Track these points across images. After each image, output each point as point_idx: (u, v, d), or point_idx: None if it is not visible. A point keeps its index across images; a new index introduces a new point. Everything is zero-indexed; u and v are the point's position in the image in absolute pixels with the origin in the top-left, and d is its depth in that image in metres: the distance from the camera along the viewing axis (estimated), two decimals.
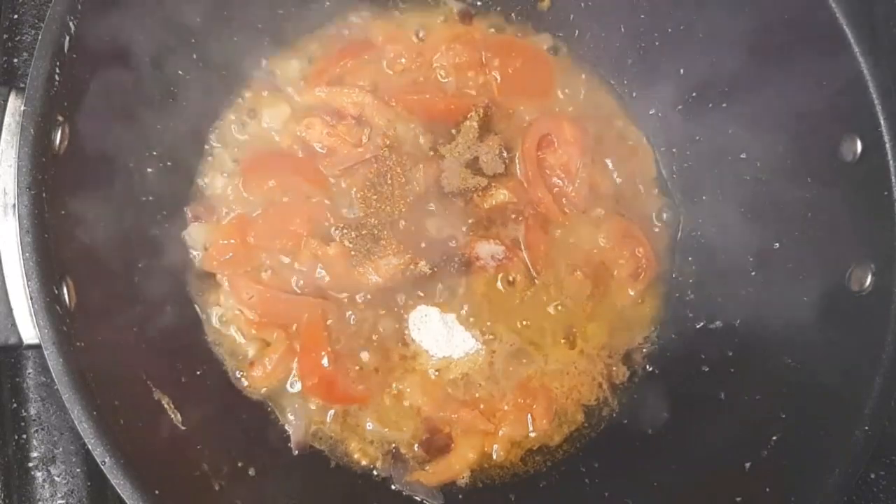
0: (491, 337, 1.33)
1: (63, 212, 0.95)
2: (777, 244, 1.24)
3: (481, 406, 1.30)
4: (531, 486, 1.31)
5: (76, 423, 0.88)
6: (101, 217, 1.05)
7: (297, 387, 1.29)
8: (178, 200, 1.30)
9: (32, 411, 1.20)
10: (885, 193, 1.04)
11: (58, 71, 0.94)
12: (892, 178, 1.03)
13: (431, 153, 1.38)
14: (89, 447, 0.88)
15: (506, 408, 1.31)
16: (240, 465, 1.16)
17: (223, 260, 1.29)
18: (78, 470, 1.19)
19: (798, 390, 1.13)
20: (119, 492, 0.89)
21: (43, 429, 1.20)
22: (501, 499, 1.29)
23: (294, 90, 1.39)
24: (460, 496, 1.28)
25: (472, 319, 1.33)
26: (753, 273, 1.28)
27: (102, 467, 0.89)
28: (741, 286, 1.29)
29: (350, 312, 1.30)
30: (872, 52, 1.06)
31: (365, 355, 1.30)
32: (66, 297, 0.92)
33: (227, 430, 1.21)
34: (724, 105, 1.32)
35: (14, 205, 0.91)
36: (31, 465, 1.19)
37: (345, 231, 1.31)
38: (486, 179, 1.37)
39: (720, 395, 1.24)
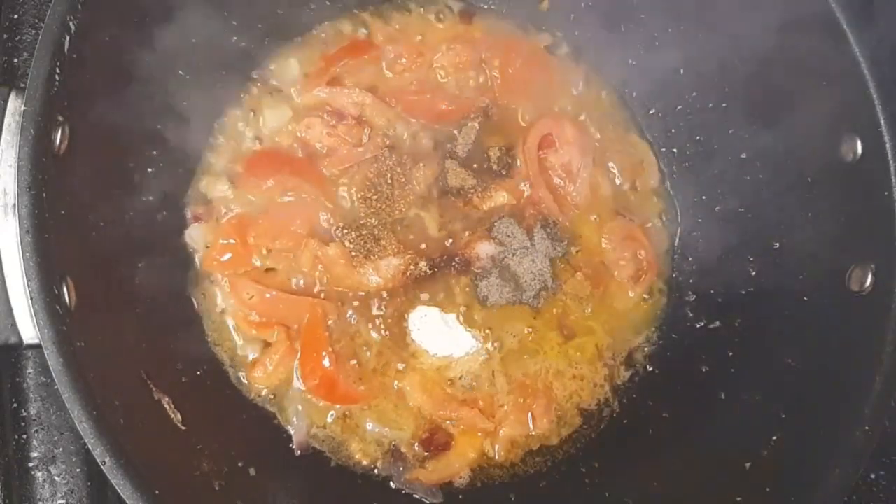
0: (491, 337, 1.32)
1: (63, 212, 0.94)
2: (777, 244, 1.24)
3: (481, 404, 1.30)
4: (531, 486, 1.31)
5: (76, 423, 0.88)
6: (101, 217, 1.05)
7: (299, 387, 1.28)
8: (178, 200, 1.30)
9: (32, 411, 1.20)
10: (885, 193, 1.04)
11: (58, 71, 0.94)
12: (892, 178, 1.03)
13: (431, 153, 1.38)
14: (89, 447, 0.88)
15: (505, 407, 1.31)
16: (240, 465, 1.15)
17: (223, 260, 1.29)
18: (78, 470, 1.19)
19: (798, 391, 1.13)
20: (119, 492, 0.89)
21: (43, 429, 1.19)
22: (501, 499, 1.28)
23: (294, 90, 1.39)
24: (460, 496, 1.28)
25: (472, 319, 1.32)
26: (753, 273, 1.28)
27: (102, 467, 0.88)
28: (741, 286, 1.29)
29: (350, 312, 1.30)
30: (872, 53, 1.06)
31: (365, 355, 1.30)
32: (66, 297, 0.92)
33: (228, 430, 1.21)
34: (724, 105, 1.32)
35: (14, 205, 0.91)
36: (31, 465, 1.19)
37: (345, 231, 1.31)
38: (486, 180, 1.37)
39: (720, 395, 1.24)
